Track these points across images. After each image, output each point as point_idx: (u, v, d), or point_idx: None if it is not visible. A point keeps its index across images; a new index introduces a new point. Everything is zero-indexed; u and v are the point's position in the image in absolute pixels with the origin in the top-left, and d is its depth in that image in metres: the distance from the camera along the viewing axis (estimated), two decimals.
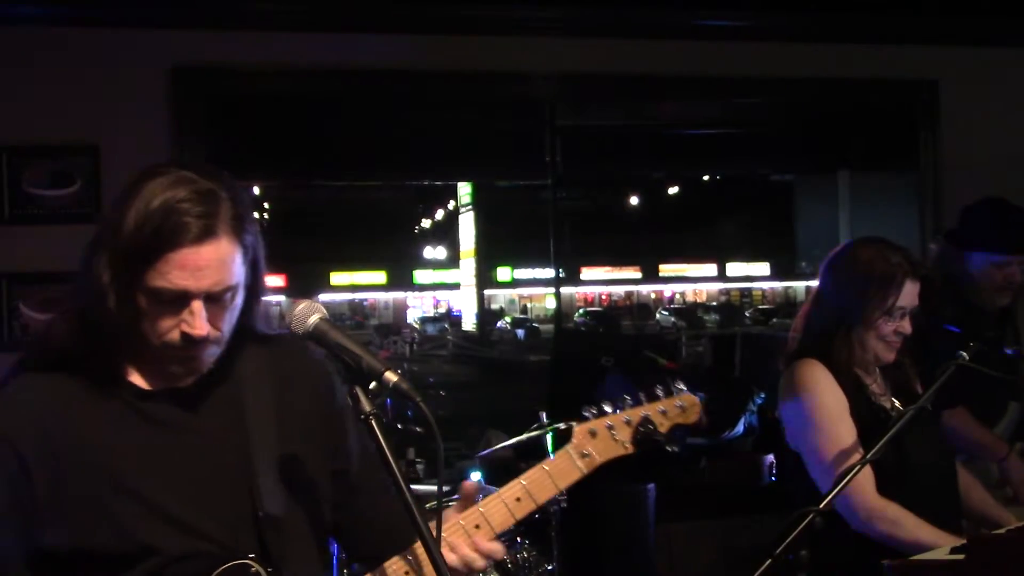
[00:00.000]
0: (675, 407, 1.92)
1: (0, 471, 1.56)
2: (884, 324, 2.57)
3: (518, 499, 1.75)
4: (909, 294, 2.58)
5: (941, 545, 2.29)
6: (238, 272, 1.59)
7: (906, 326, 2.59)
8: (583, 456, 1.81)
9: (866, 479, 2.46)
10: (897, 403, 2.64)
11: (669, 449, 1.84)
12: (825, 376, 2.58)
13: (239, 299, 1.62)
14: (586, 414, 1.84)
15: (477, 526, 1.72)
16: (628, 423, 1.86)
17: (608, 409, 1.86)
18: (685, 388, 1.94)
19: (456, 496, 4.00)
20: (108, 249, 1.55)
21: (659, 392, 1.92)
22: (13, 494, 1.55)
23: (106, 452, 1.58)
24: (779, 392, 2.69)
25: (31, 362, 1.65)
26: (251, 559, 1.59)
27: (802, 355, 2.65)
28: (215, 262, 1.54)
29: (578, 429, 1.83)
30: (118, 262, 1.54)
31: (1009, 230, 3.37)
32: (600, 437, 1.83)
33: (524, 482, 1.76)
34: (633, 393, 1.90)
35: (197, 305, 1.55)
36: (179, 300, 1.54)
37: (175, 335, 1.56)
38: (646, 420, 1.87)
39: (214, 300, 1.57)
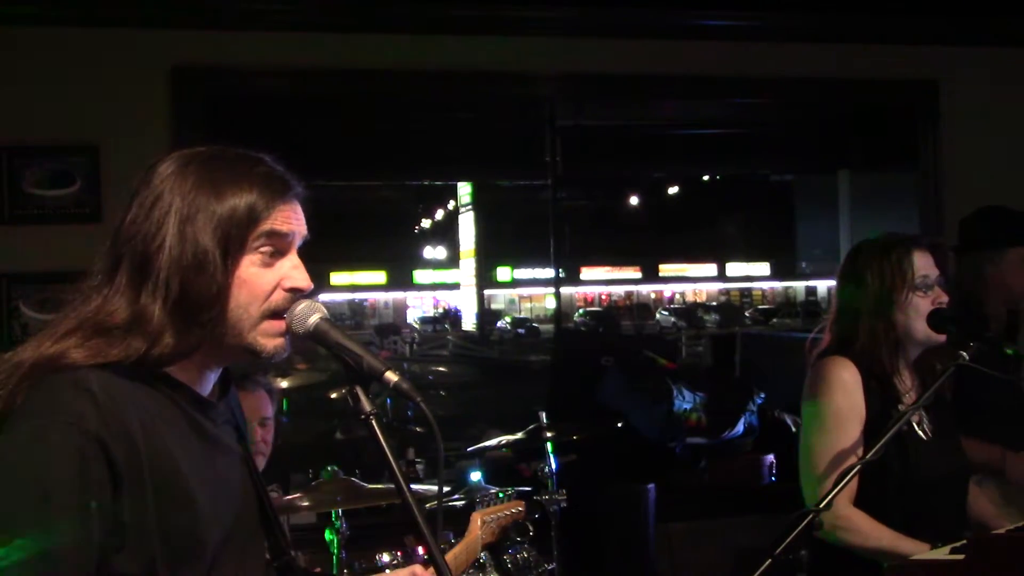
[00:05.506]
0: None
1: (95, 471, 1.36)
2: (919, 300, 2.53)
3: None
4: (924, 263, 2.55)
5: (902, 551, 2.31)
6: None
7: (942, 296, 2.55)
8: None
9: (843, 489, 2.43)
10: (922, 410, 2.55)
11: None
12: (850, 377, 2.52)
13: None
14: None
15: None
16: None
17: None
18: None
19: (457, 496, 3.99)
20: (206, 214, 1.48)
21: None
22: (100, 505, 1.36)
23: (180, 475, 1.46)
24: (804, 388, 2.65)
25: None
26: None
27: (834, 352, 2.59)
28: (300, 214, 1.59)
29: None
30: (225, 222, 1.48)
31: None
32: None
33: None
34: None
35: (296, 257, 1.56)
36: (284, 251, 1.54)
37: (278, 296, 1.53)
38: None
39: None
